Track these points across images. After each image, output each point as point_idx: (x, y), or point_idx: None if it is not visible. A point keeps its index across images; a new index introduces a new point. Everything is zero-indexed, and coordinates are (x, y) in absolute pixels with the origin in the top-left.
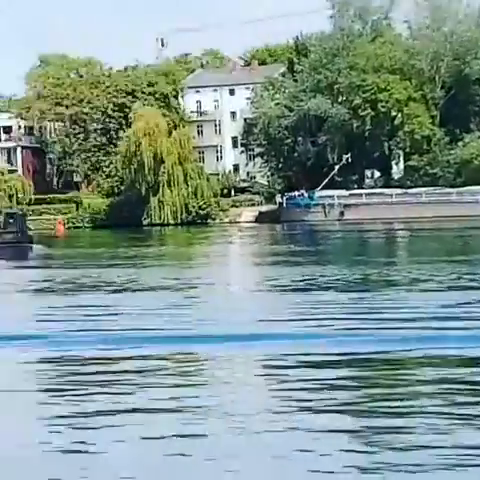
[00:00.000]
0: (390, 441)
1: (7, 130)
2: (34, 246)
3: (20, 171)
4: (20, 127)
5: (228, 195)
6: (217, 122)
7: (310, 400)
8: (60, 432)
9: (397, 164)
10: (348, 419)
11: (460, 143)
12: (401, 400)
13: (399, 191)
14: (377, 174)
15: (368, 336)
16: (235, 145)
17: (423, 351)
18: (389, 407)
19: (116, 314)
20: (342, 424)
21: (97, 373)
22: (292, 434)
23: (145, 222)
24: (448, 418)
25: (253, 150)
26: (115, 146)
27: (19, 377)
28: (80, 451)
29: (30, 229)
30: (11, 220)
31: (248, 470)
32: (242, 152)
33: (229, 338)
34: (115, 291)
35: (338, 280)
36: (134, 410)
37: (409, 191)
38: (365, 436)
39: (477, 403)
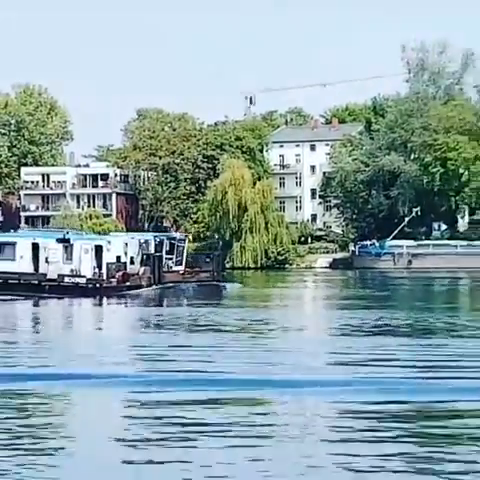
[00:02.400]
0: None
1: (104, 177)
2: (229, 285)
3: (114, 215)
4: (116, 175)
5: (305, 242)
6: (298, 175)
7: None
8: None
9: (462, 218)
10: None
11: None
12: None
13: (464, 243)
14: (444, 227)
15: (401, 385)
16: (313, 196)
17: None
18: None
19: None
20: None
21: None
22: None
23: (228, 265)
24: None
25: (330, 201)
26: (203, 195)
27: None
28: None
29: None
30: (208, 260)
31: None
32: (320, 203)
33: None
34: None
35: (400, 325)
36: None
37: (473, 243)
38: None
39: None
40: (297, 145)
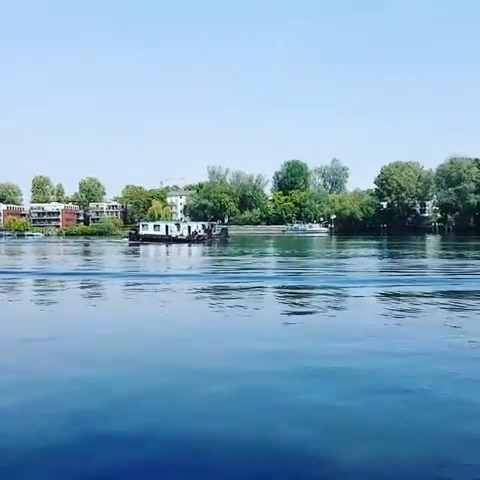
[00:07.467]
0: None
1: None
2: (229, 239)
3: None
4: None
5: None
6: (177, 206)
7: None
8: None
9: (225, 219)
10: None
11: (243, 213)
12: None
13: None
14: (220, 222)
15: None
16: (182, 213)
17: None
18: None
19: None
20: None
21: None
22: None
23: None
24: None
25: (187, 215)
26: (146, 213)
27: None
28: None
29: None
30: (219, 229)
31: None
32: (184, 214)
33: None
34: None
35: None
36: None
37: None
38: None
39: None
40: (175, 197)
